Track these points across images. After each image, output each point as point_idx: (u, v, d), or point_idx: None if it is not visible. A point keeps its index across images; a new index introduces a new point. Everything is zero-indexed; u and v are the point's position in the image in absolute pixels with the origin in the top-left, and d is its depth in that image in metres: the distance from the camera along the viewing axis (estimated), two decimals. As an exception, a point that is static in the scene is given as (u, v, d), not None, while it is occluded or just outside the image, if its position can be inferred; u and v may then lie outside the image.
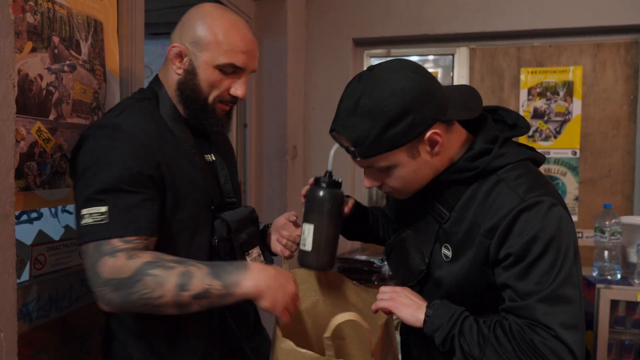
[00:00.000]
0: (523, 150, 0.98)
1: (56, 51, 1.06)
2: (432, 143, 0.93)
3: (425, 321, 0.94)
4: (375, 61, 2.85)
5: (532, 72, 2.50)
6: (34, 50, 1.00)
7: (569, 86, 2.47)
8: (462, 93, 0.99)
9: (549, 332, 0.84)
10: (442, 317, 0.93)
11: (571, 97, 2.47)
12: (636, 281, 1.93)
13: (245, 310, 1.15)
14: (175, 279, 0.87)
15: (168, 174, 0.98)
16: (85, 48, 1.16)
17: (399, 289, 1.02)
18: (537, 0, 2.37)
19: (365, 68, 3.06)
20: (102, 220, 0.89)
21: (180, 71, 1.05)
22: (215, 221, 1.07)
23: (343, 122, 0.93)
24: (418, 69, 0.94)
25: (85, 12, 1.16)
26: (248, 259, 1.11)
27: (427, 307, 0.96)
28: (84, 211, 0.90)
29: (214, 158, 1.15)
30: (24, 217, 1.07)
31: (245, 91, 1.08)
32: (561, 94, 2.48)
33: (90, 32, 1.17)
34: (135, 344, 1.02)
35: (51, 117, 1.06)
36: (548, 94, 2.49)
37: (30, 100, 1.00)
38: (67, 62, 1.10)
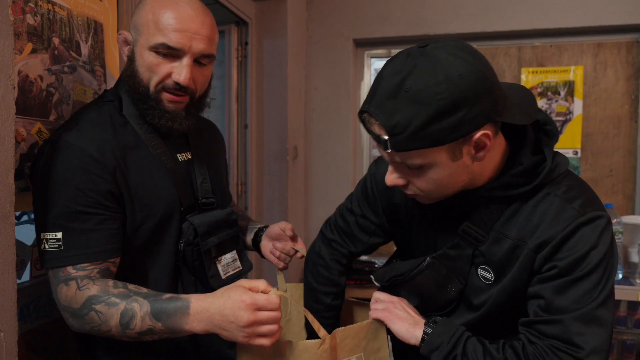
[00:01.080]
0: (565, 159, 0.89)
1: (56, 52, 1.07)
2: (479, 146, 0.79)
3: (422, 339, 0.89)
4: (376, 62, 2.86)
5: (532, 72, 2.50)
6: (34, 51, 1.01)
7: (569, 86, 2.47)
8: (516, 93, 0.86)
9: (575, 353, 0.79)
10: (441, 336, 0.87)
11: (572, 96, 2.47)
12: (637, 281, 1.93)
13: None
14: (118, 318, 0.85)
15: (126, 186, 0.93)
16: (85, 49, 1.16)
17: (395, 299, 0.96)
18: (538, 0, 2.37)
19: (366, 69, 3.05)
20: (57, 247, 0.87)
21: (125, 59, 0.99)
22: (184, 224, 1.01)
23: (379, 104, 0.77)
24: (478, 54, 0.79)
25: (85, 14, 1.16)
26: (218, 265, 1.06)
27: (426, 324, 0.90)
28: (42, 235, 0.88)
29: (189, 157, 1.08)
30: (25, 217, 1.07)
31: (187, 76, 0.94)
32: (562, 93, 2.48)
33: (90, 33, 1.18)
34: (102, 351, 1.01)
35: (51, 118, 1.06)
36: (549, 93, 2.49)
37: (30, 101, 1.00)
38: (67, 63, 1.10)
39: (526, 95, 0.88)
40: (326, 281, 1.11)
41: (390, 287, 1.02)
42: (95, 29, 1.20)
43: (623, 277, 2.00)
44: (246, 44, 2.32)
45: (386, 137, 0.78)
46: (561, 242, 0.81)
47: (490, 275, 0.89)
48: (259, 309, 0.83)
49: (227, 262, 1.09)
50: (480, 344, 0.86)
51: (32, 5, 1.00)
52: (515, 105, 0.83)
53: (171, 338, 0.99)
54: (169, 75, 0.95)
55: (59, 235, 0.87)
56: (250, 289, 0.85)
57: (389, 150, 0.79)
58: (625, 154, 2.42)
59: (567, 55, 2.47)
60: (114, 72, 1.27)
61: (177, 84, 0.95)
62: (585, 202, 0.84)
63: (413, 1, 2.49)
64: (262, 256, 1.24)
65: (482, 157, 0.81)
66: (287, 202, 2.38)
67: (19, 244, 1.02)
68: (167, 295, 0.87)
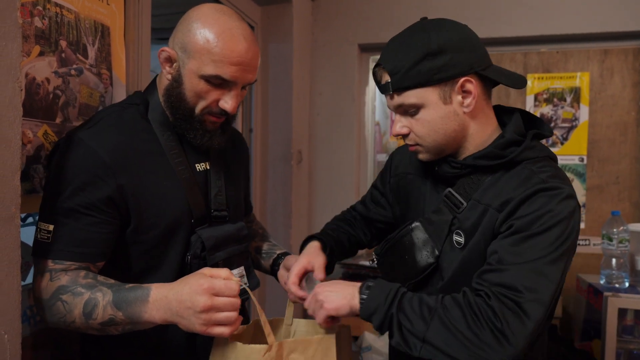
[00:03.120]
0: (548, 150, 0.99)
1: (63, 55, 1.07)
2: (466, 92, 0.93)
3: (361, 305, 0.89)
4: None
5: (538, 78, 2.49)
6: (41, 54, 1.01)
7: (576, 92, 2.46)
8: (511, 73, 1.00)
9: (516, 297, 0.81)
10: (377, 298, 0.88)
11: (578, 103, 2.46)
12: (645, 289, 1.91)
13: None
14: (81, 307, 0.85)
15: (133, 192, 0.93)
16: (92, 52, 1.16)
17: (316, 290, 0.95)
18: (544, 6, 2.37)
19: (370, 74, 3.06)
20: (47, 238, 0.88)
21: (169, 77, 0.98)
22: (192, 236, 1.00)
23: (385, 56, 0.96)
24: (468, 28, 0.98)
25: (93, 17, 1.17)
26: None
27: (361, 290, 0.91)
28: (38, 225, 0.90)
29: (208, 167, 1.07)
30: (30, 219, 1.07)
31: (235, 105, 0.98)
32: (568, 100, 2.47)
33: (97, 36, 1.18)
34: (94, 349, 1.02)
35: (58, 121, 1.06)
36: (555, 100, 2.48)
37: (37, 104, 1.01)
38: (74, 66, 1.11)
39: (518, 75, 0.99)
40: (341, 215, 1.32)
41: (383, 256, 1.11)
42: (102, 32, 1.20)
43: (630, 285, 1.98)
44: (252, 48, 2.33)
45: (389, 80, 0.95)
46: (520, 202, 0.88)
47: (461, 239, 0.96)
48: (217, 294, 0.81)
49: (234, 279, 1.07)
50: (416, 297, 0.87)
51: (40, 8, 1.01)
52: (504, 71, 0.98)
53: (170, 339, 0.99)
54: (216, 101, 0.97)
55: (51, 227, 0.89)
56: (211, 276, 0.84)
57: (391, 92, 0.95)
58: (632, 161, 2.41)
59: (573, 61, 2.46)
60: (120, 75, 1.27)
61: (224, 110, 0.98)
62: (553, 175, 0.90)
63: (418, 6, 2.49)
64: (277, 279, 1.24)
65: (470, 106, 0.94)
66: (291, 206, 2.38)
67: (24, 246, 1.01)
68: (130, 285, 0.87)
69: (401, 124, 0.99)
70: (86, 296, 0.85)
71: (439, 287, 0.98)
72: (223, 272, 0.85)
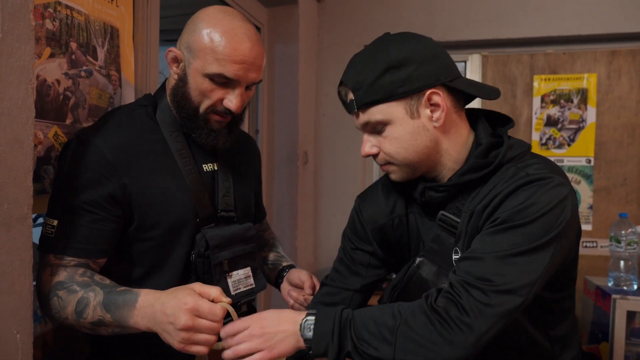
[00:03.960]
0: (524, 142, 0.94)
1: (73, 57, 1.08)
2: (434, 105, 0.88)
3: (309, 348, 0.81)
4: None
5: (545, 80, 2.48)
6: (52, 55, 1.02)
7: (583, 94, 2.45)
8: (481, 84, 0.96)
9: (486, 287, 0.77)
10: (324, 336, 0.80)
11: (585, 104, 2.44)
12: (653, 292, 1.90)
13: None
14: (74, 305, 0.86)
15: (137, 191, 0.94)
16: (101, 54, 1.17)
17: (260, 325, 0.83)
18: (550, 7, 2.36)
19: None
20: (50, 233, 0.90)
21: (175, 77, 1.01)
22: (197, 235, 1.01)
23: (347, 74, 0.92)
24: (434, 41, 0.93)
25: (102, 19, 1.17)
26: (229, 280, 1.05)
27: (302, 327, 0.82)
28: (45, 219, 0.92)
29: (215, 167, 1.08)
30: (40, 219, 1.08)
31: (239, 104, 0.98)
32: (575, 101, 2.46)
33: (106, 38, 1.19)
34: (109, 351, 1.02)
35: (68, 122, 1.07)
36: (562, 101, 2.47)
37: (47, 105, 1.01)
38: (84, 68, 1.11)
39: (490, 87, 0.95)
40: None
41: (395, 299, 1.00)
42: (112, 34, 1.21)
43: (638, 287, 1.97)
44: (258, 49, 2.33)
45: (351, 98, 0.90)
46: (504, 197, 0.83)
47: (457, 256, 0.91)
48: (199, 315, 0.81)
49: (239, 278, 1.07)
50: (368, 317, 0.80)
51: (51, 10, 1.01)
52: (474, 84, 0.93)
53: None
54: (220, 100, 0.98)
55: (55, 223, 0.91)
56: (200, 294, 0.83)
57: (356, 110, 0.91)
58: (639, 162, 2.40)
59: (580, 62, 2.45)
60: (128, 76, 1.28)
61: (228, 109, 0.98)
62: (540, 167, 0.85)
63: (425, 7, 2.49)
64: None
65: (440, 120, 0.89)
66: (297, 207, 2.38)
67: (35, 247, 1.02)
68: (122, 288, 0.88)
69: (370, 143, 0.93)
70: (79, 294, 0.87)
71: None
72: (213, 291, 0.84)
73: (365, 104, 0.89)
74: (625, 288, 1.96)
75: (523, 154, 0.91)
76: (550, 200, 0.81)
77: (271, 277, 1.28)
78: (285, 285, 1.22)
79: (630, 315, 1.91)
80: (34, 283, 0.84)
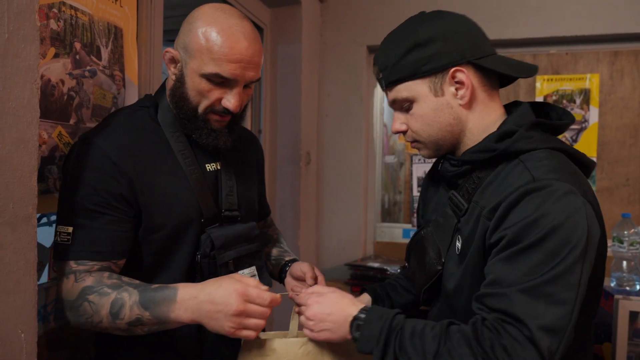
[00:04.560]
0: (556, 140, 0.88)
1: (77, 57, 1.08)
2: (459, 83, 0.88)
3: (356, 345, 0.84)
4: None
5: (548, 80, 2.48)
6: (56, 56, 1.02)
7: (585, 94, 2.44)
8: (516, 61, 0.94)
9: (522, 330, 0.72)
10: (370, 338, 0.82)
11: (588, 105, 2.44)
12: (655, 292, 1.89)
13: None
14: (108, 307, 0.86)
15: (142, 192, 0.94)
16: (105, 54, 1.18)
17: (313, 309, 0.89)
18: (553, 7, 2.36)
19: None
20: (67, 241, 0.90)
21: (173, 77, 1.00)
22: (202, 235, 1.01)
23: (378, 53, 0.95)
24: (468, 18, 0.95)
25: (106, 19, 1.18)
26: None
27: (352, 325, 0.85)
28: (57, 228, 0.92)
29: (218, 167, 1.08)
30: (44, 219, 1.08)
31: (237, 104, 0.97)
32: (578, 101, 2.46)
33: (110, 38, 1.19)
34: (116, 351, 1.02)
35: (72, 122, 1.07)
36: (564, 101, 2.47)
37: (52, 105, 1.02)
38: (88, 68, 1.12)
39: (527, 64, 0.94)
40: None
41: (408, 262, 1.09)
42: (116, 34, 1.21)
43: (640, 288, 1.97)
44: (261, 49, 2.33)
45: (380, 77, 0.93)
46: (508, 207, 0.78)
47: (459, 245, 0.90)
48: (249, 301, 0.84)
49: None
50: (416, 332, 0.79)
51: (55, 10, 1.02)
52: (506, 61, 0.92)
53: (180, 339, 1.00)
54: (219, 100, 0.97)
55: (70, 229, 0.90)
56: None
57: (385, 88, 0.94)
58: (642, 163, 2.39)
59: (582, 63, 2.45)
60: (132, 77, 1.28)
61: (226, 108, 0.97)
62: (550, 170, 0.80)
63: (427, 8, 2.48)
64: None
65: (465, 97, 0.89)
66: (300, 207, 2.38)
67: (39, 246, 1.02)
68: (156, 285, 0.89)
69: (399, 121, 0.96)
70: (112, 296, 0.87)
71: (442, 299, 0.94)
72: (252, 281, 0.88)
73: (392, 82, 0.92)
74: (627, 288, 1.96)
75: (541, 150, 0.85)
76: (561, 210, 0.75)
77: (275, 273, 1.28)
78: (288, 280, 1.22)
79: (633, 315, 1.91)
80: (38, 282, 0.84)
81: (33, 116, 0.75)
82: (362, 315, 0.85)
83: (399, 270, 2.31)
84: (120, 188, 0.92)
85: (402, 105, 0.94)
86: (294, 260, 1.26)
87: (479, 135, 0.91)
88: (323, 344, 0.93)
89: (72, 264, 0.90)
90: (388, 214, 2.92)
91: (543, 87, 2.49)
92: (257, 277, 1.11)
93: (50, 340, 1.06)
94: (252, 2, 2.17)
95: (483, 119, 0.91)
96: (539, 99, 2.49)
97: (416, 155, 2.59)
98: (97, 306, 0.87)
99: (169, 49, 1.00)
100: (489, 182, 0.87)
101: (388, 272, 2.30)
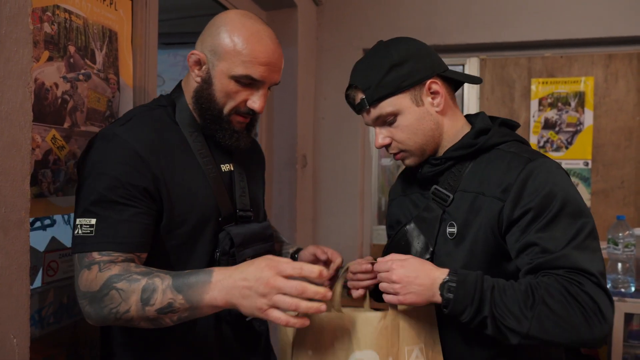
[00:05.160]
0: (516, 134, 1.08)
1: (72, 60, 1.08)
2: (434, 93, 1.04)
3: (445, 306, 0.89)
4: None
5: (543, 83, 2.49)
6: (50, 59, 1.02)
7: (580, 97, 2.45)
8: (464, 73, 1.12)
9: (591, 278, 0.86)
10: (464, 299, 0.87)
11: (583, 107, 2.45)
12: (650, 294, 1.90)
13: (246, 322, 1.07)
14: (139, 293, 0.83)
15: (166, 187, 0.95)
16: (100, 57, 1.17)
17: (399, 273, 0.92)
18: (548, 10, 2.37)
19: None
20: (89, 233, 0.89)
21: (198, 79, 1.02)
22: (220, 233, 1.03)
23: (355, 78, 1.06)
24: (421, 41, 1.10)
25: (101, 22, 1.18)
26: None
27: (442, 288, 0.89)
28: (78, 221, 0.91)
29: (232, 168, 1.10)
30: (38, 223, 1.08)
31: (263, 105, 1.03)
32: (572, 104, 2.46)
33: (105, 41, 1.19)
34: (123, 356, 1.01)
35: (66, 125, 1.07)
36: (559, 104, 2.48)
37: (45, 109, 1.01)
38: (82, 71, 1.11)
39: (475, 77, 1.11)
40: None
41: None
42: (110, 37, 1.21)
43: (636, 290, 1.97)
44: (257, 52, 2.33)
45: (362, 97, 1.04)
46: (522, 186, 0.93)
47: (454, 230, 1.00)
48: (281, 273, 0.79)
49: None
50: (508, 288, 0.88)
51: (49, 14, 1.01)
52: (460, 74, 1.11)
53: (200, 345, 1.00)
54: (244, 101, 1.02)
55: (93, 221, 0.89)
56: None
57: (368, 107, 1.04)
58: (637, 165, 2.40)
59: (577, 66, 2.46)
60: (127, 80, 1.28)
61: (251, 110, 1.03)
62: (533, 152, 0.99)
63: (423, 11, 2.50)
64: None
65: (440, 105, 1.04)
66: (296, 210, 2.38)
67: (32, 251, 1.02)
68: (189, 271, 0.86)
69: (382, 135, 1.06)
70: (143, 282, 0.84)
71: None
72: (285, 259, 0.83)
73: (376, 100, 1.02)
74: (623, 290, 1.97)
75: (512, 141, 1.03)
76: (562, 177, 0.94)
77: None
78: None
79: (628, 317, 1.91)
80: (31, 287, 0.84)
81: (26, 120, 0.75)
82: (453, 278, 0.90)
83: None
84: (146, 182, 0.93)
85: (386, 120, 1.04)
86: (299, 250, 1.28)
87: (453, 136, 1.06)
88: (400, 319, 0.96)
89: (96, 255, 0.88)
90: (385, 217, 2.92)
91: (538, 90, 2.50)
92: None
93: (42, 346, 1.06)
94: (248, 5, 2.18)
95: (454, 123, 1.07)
96: (534, 102, 2.50)
97: (412, 157, 2.60)
98: (126, 293, 0.83)
99: (195, 52, 1.02)
100: (473, 172, 1.02)
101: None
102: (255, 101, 1.02)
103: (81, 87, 1.11)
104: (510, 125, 1.09)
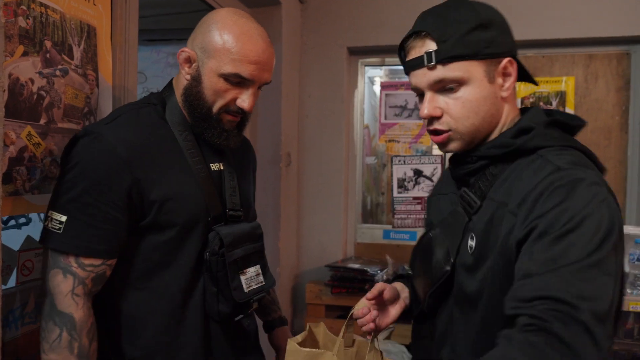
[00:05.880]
0: (573, 139, 0.87)
1: (48, 55, 1.06)
2: (506, 75, 0.87)
3: None
4: (369, 70, 2.87)
5: (524, 82, 2.52)
6: (25, 54, 1.00)
7: (561, 96, 2.49)
8: None
9: (572, 310, 0.63)
10: None
11: (564, 107, 2.49)
12: (628, 291, 1.93)
13: (235, 322, 1.08)
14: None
15: (150, 188, 0.95)
16: (77, 53, 1.15)
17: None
18: (530, 12, 2.40)
19: (359, 77, 3.04)
20: (58, 229, 0.89)
21: (188, 77, 1.02)
22: (210, 233, 1.02)
23: (429, 24, 0.86)
24: None
25: (79, 17, 1.15)
26: (242, 277, 1.05)
27: None
28: (49, 213, 0.91)
29: (222, 167, 1.10)
30: (12, 222, 1.05)
31: (252, 104, 1.01)
32: (554, 104, 2.50)
33: (83, 37, 1.17)
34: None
35: (42, 122, 1.05)
36: (541, 104, 2.51)
37: (20, 104, 0.99)
38: (59, 67, 1.09)
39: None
40: None
41: (413, 265, 1.02)
42: (89, 32, 1.19)
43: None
44: (240, 50, 2.32)
45: (432, 50, 0.84)
46: (536, 198, 0.74)
47: (473, 243, 0.84)
48: None
49: (251, 275, 1.08)
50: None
51: (24, 7, 0.99)
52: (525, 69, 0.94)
53: (182, 344, 1.01)
54: (234, 100, 1.01)
55: (63, 218, 0.89)
56: None
57: (433, 65, 0.84)
58: (615, 164, 2.44)
59: (558, 66, 2.49)
60: (106, 76, 1.26)
61: (240, 109, 1.01)
62: (571, 161, 0.77)
63: (407, 10, 2.51)
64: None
65: (508, 89, 0.87)
66: (280, 208, 2.37)
67: (6, 249, 1.00)
68: None
69: (435, 104, 0.86)
70: None
71: (453, 303, 0.89)
72: None
73: (451, 57, 0.83)
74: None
75: (560, 147, 0.82)
76: (590, 199, 0.72)
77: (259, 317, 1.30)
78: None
79: (624, 315, 1.94)
80: (4, 286, 0.82)
81: (-3, 115, 0.73)
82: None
83: (379, 272, 2.32)
84: (125, 186, 0.92)
85: (446, 87, 0.85)
86: (280, 320, 1.30)
87: (500, 128, 0.89)
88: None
89: (72, 262, 0.89)
90: (370, 216, 2.93)
91: (520, 89, 2.52)
92: (261, 276, 1.11)
93: (18, 346, 1.03)
94: (232, 3, 2.16)
95: (510, 114, 0.90)
96: (517, 101, 2.53)
97: (396, 156, 2.61)
98: (55, 348, 0.88)
99: (185, 49, 1.01)
100: (504, 179, 0.84)
101: (368, 273, 2.31)
102: (244, 100, 1.00)
103: (58, 83, 1.09)
104: (566, 125, 0.88)
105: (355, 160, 2.76)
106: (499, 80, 0.87)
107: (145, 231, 0.96)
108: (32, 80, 1.01)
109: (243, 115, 1.04)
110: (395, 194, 2.59)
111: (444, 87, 0.86)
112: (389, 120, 2.71)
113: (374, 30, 2.55)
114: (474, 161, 0.88)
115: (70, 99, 1.13)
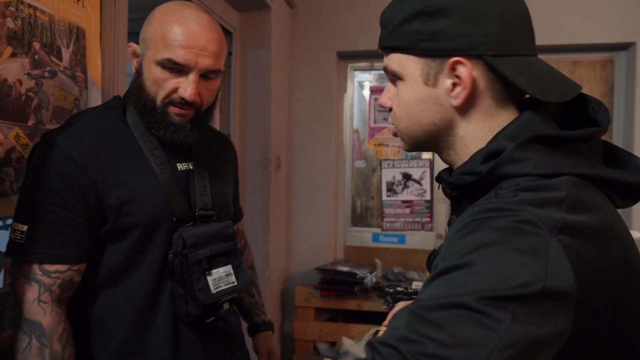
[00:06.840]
0: (569, 162, 0.60)
1: (36, 57, 1.06)
2: (458, 79, 0.67)
3: None
4: (359, 74, 2.89)
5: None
6: (13, 55, 1.00)
7: (547, 101, 2.53)
8: (560, 75, 0.70)
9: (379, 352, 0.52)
10: None
11: (549, 112, 2.53)
12: None
13: (208, 324, 1.06)
14: None
15: (108, 192, 0.94)
16: (66, 54, 1.15)
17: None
18: (516, 17, 2.44)
19: (349, 81, 3.05)
20: (20, 239, 0.89)
21: (134, 71, 1.01)
22: (174, 234, 1.00)
23: (388, 6, 0.73)
24: (511, 1, 0.71)
25: (68, 19, 1.16)
26: (209, 278, 1.03)
27: None
28: (13, 224, 0.91)
29: (191, 167, 1.07)
30: (0, 223, 1.05)
31: (192, 92, 0.96)
32: (539, 109, 2.54)
33: (72, 39, 1.17)
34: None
35: (30, 123, 1.05)
36: (527, 108, 2.55)
37: (8, 106, 0.99)
38: (48, 68, 1.09)
39: (574, 84, 0.68)
40: None
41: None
42: (78, 34, 1.19)
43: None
44: (230, 54, 2.33)
45: (381, 34, 0.74)
46: (453, 235, 0.59)
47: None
48: None
49: (219, 276, 1.06)
50: None
51: (12, 9, 0.99)
52: (526, 72, 0.66)
53: (149, 348, 1.00)
54: (175, 90, 0.97)
55: (25, 228, 0.89)
56: None
57: (380, 51, 0.74)
58: (600, 168, 2.49)
59: (544, 71, 2.53)
60: (95, 78, 1.26)
61: (182, 99, 0.97)
62: (526, 200, 0.56)
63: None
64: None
65: (458, 97, 0.67)
66: (269, 211, 2.37)
67: (-7, 251, 0.99)
68: None
69: (388, 94, 0.76)
70: None
71: None
72: None
73: (385, 47, 0.73)
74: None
75: (539, 177, 0.59)
76: (483, 234, 0.54)
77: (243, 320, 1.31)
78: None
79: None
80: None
81: (-15, 116, 0.73)
82: None
83: (368, 275, 2.33)
84: (81, 189, 0.91)
85: (392, 78, 0.74)
86: (263, 324, 1.32)
87: (473, 147, 0.69)
88: None
89: (36, 270, 0.89)
90: (360, 219, 2.94)
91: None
92: (233, 276, 1.09)
93: (4, 348, 1.02)
94: (221, 6, 2.17)
95: (481, 130, 0.69)
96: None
97: (386, 160, 2.63)
98: (27, 356, 0.88)
99: (131, 44, 1.02)
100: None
101: (358, 276, 2.32)
102: (185, 89, 0.95)
103: (46, 85, 1.09)
104: (556, 140, 0.62)
105: (344, 163, 2.77)
106: (446, 83, 0.67)
107: (109, 235, 0.96)
108: (20, 82, 1.01)
109: (197, 109, 1.00)
110: (384, 197, 2.61)
111: (391, 78, 0.74)
112: (378, 125, 2.73)
113: (363, 35, 2.57)
114: (450, 188, 0.72)
115: (59, 100, 1.13)
